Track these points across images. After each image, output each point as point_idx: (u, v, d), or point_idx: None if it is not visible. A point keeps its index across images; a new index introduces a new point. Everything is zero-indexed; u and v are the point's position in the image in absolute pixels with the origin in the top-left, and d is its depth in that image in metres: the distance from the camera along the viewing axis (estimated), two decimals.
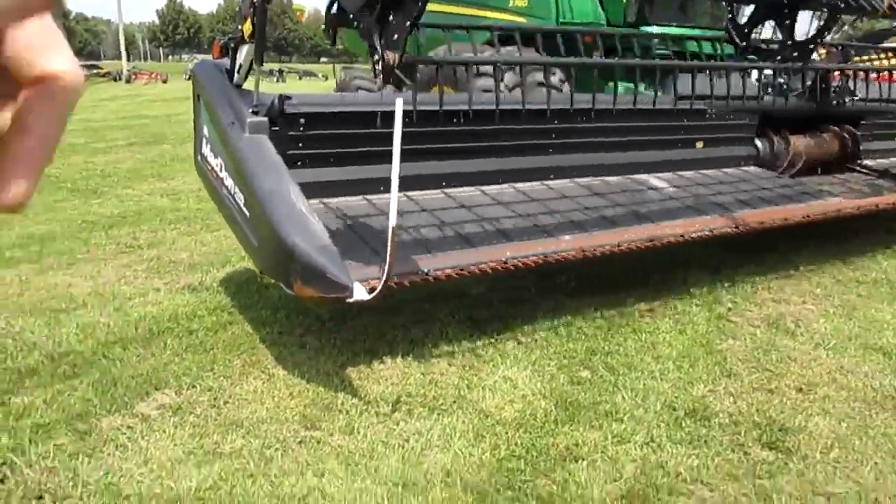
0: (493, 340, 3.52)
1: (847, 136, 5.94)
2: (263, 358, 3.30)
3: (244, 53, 3.26)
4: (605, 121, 4.60)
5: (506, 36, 6.32)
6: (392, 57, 2.65)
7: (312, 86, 34.58)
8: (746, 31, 4.38)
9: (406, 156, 2.82)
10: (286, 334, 3.58)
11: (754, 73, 5.85)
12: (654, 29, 6.82)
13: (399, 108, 2.36)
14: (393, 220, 2.30)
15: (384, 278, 2.40)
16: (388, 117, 2.88)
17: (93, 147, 10.61)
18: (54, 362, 3.22)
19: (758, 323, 3.85)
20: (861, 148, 6.05)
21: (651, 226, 3.97)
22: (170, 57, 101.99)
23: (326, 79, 41.07)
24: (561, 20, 6.64)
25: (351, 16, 2.77)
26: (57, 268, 4.65)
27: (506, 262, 3.28)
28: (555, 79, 5.91)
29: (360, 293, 2.47)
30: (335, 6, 2.86)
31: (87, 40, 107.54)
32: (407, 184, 3.84)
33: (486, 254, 3.30)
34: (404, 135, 2.55)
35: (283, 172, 2.97)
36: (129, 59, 50.39)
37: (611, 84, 6.60)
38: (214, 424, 2.72)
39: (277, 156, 3.08)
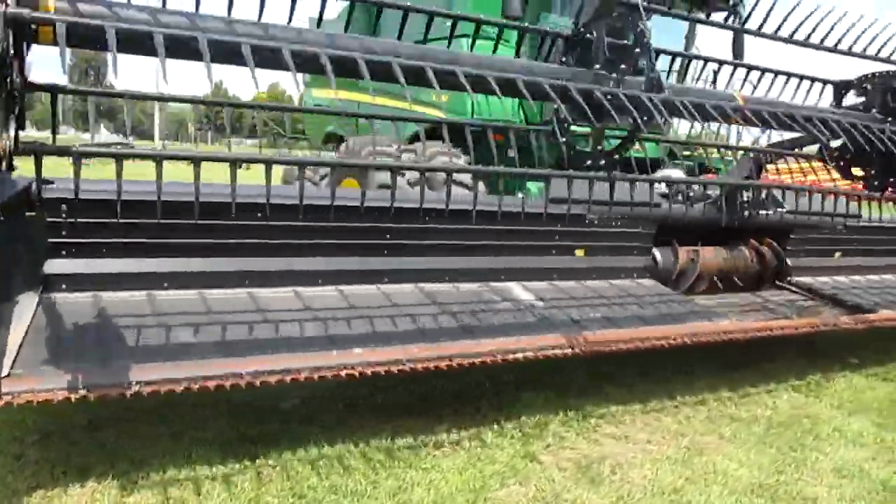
0: (230, 470, 3.03)
1: (768, 250, 5.44)
2: None
3: None
4: (462, 223, 4.16)
5: (432, 129, 6.10)
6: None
7: None
8: None
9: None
10: (11, 441, 3.16)
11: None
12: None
13: None
14: None
15: None
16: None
17: None
18: None
19: (567, 465, 3.29)
20: (788, 264, 5.54)
21: (470, 342, 3.51)
22: None
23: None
24: (476, 117, 6.38)
25: None
26: None
27: (242, 377, 2.85)
28: (465, 175, 5.59)
29: None
30: None
31: None
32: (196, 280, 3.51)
33: (229, 366, 2.88)
34: None
35: None
36: None
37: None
38: None
39: None
